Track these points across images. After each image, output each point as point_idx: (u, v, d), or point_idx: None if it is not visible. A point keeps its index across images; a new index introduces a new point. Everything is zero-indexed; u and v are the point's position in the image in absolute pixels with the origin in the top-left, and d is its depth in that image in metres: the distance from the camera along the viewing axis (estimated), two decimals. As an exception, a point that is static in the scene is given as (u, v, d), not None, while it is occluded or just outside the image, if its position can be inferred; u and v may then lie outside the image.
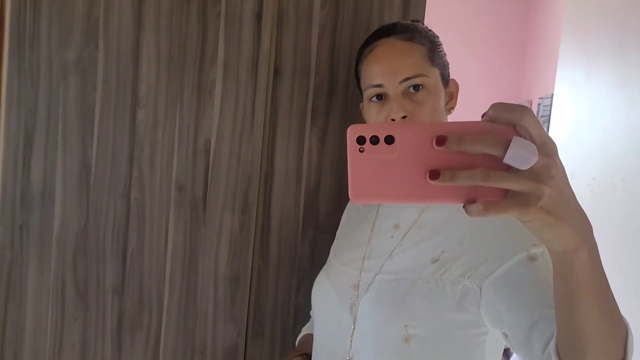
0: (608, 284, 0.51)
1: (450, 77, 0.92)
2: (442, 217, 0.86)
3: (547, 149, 0.43)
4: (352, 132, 0.44)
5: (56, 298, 1.16)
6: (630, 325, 0.56)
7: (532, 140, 0.42)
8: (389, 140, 0.44)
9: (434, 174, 0.43)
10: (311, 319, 1.10)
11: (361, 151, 0.44)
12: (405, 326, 0.78)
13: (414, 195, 0.44)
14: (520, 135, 0.42)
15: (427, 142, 0.43)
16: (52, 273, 1.16)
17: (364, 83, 0.90)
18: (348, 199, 1.14)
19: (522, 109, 0.42)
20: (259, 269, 1.17)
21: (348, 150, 0.44)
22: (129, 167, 1.16)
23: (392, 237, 0.89)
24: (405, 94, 0.84)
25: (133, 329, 1.18)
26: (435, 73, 0.87)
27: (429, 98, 0.84)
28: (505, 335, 0.74)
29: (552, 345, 0.59)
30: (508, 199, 0.42)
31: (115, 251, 1.17)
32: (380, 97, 0.86)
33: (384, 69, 0.85)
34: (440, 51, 0.90)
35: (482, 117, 0.44)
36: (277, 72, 1.14)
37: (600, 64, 1.65)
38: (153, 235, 1.17)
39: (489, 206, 0.42)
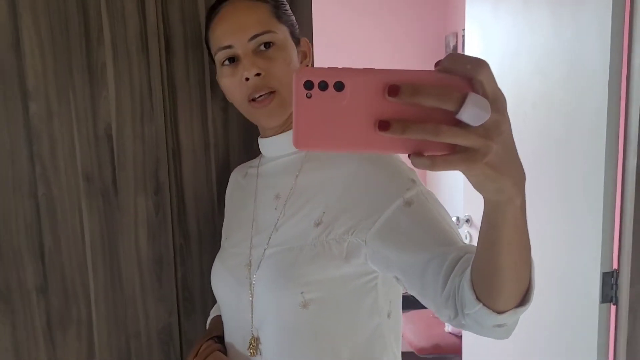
0: (526, 220, 0.53)
1: (302, 37, 0.91)
2: (317, 179, 0.86)
3: (498, 104, 0.42)
4: (300, 76, 0.42)
5: (-24, 306, 1.14)
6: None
7: (485, 95, 0.41)
8: (339, 86, 0.41)
9: (384, 125, 0.41)
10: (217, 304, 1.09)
11: (308, 97, 0.42)
12: (301, 293, 0.79)
13: (361, 145, 0.43)
14: (474, 90, 0.41)
15: (379, 90, 0.41)
16: (-32, 281, 1.13)
17: (213, 48, 0.87)
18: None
19: (479, 62, 0.41)
20: (181, 248, 1.17)
21: (294, 95, 0.42)
22: (31, 163, 1.12)
23: (275, 208, 0.88)
24: (256, 52, 0.83)
25: (64, 325, 1.17)
26: (283, 30, 0.85)
27: (280, 54, 0.83)
28: (397, 279, 0.76)
29: (465, 281, 0.61)
30: (455, 155, 0.42)
31: (31, 250, 1.14)
32: (232, 60, 0.85)
33: (231, 29, 0.83)
34: (287, 10, 0.89)
35: (436, 66, 0.43)
36: (168, 46, 1.11)
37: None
38: (68, 228, 1.14)
39: (437, 161, 0.42)
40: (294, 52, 0.86)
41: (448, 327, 2.59)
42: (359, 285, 0.82)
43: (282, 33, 0.85)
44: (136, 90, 1.11)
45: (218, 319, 1.02)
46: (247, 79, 0.83)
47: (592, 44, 1.27)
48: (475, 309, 0.59)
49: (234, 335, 0.91)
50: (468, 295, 0.60)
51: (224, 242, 0.99)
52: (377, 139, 0.42)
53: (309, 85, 0.42)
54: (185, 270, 1.17)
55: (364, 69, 0.42)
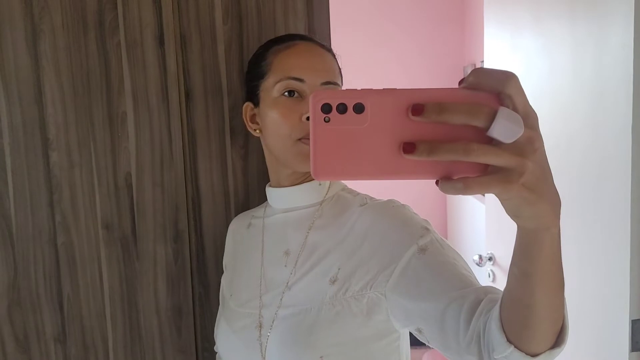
0: (561, 252, 0.50)
1: None
2: (330, 235, 0.84)
3: (531, 120, 0.40)
4: (317, 99, 0.39)
5: (-5, 357, 1.13)
6: None
7: (516, 110, 0.38)
8: (359, 108, 0.39)
9: (409, 147, 0.38)
10: (217, 357, 1.05)
11: (326, 121, 0.39)
12: (321, 357, 0.76)
13: (385, 171, 0.39)
14: (503, 105, 0.38)
15: (402, 111, 0.39)
16: (-13, 332, 1.12)
17: (277, 74, 0.83)
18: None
19: (506, 75, 0.39)
20: (200, 297, 1.15)
21: (311, 120, 0.39)
22: (51, 212, 1.12)
23: (285, 265, 0.85)
24: None
25: (82, 375, 1.15)
26: (340, 85, 0.87)
27: None
28: (420, 331, 0.72)
29: (494, 322, 0.57)
30: (489, 176, 0.38)
31: (50, 299, 1.13)
32: (292, 93, 0.81)
33: (309, 64, 0.81)
34: (341, 74, 0.90)
35: (460, 83, 0.40)
36: (188, 95, 1.11)
37: (523, 33, 1.66)
38: (87, 277, 1.14)
39: (470, 183, 0.38)
40: None
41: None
42: (381, 347, 0.79)
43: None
44: (156, 138, 1.11)
45: None
46: (307, 119, 0.80)
47: (614, 83, 1.25)
48: (507, 352, 0.55)
49: None
50: (497, 337, 0.55)
51: (228, 300, 0.93)
52: (403, 164, 0.39)
53: (327, 108, 0.39)
54: (205, 320, 1.16)
55: (385, 89, 0.39)
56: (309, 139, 0.79)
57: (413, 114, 0.38)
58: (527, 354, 0.54)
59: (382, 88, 0.39)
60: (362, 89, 0.39)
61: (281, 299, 0.82)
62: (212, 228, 1.14)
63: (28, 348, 1.14)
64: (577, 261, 1.37)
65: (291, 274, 0.83)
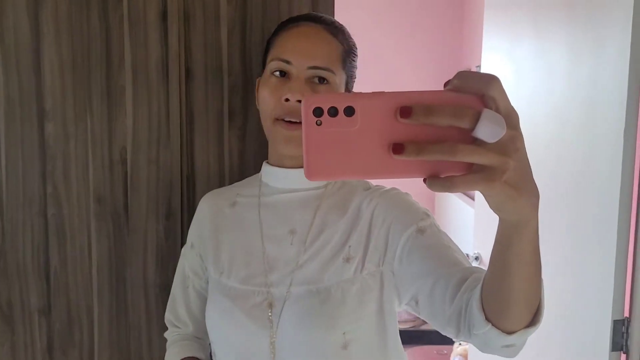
0: (539, 241, 0.53)
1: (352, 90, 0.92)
2: (337, 216, 0.86)
3: (512, 120, 0.42)
4: (308, 103, 0.41)
5: (-22, 325, 1.12)
6: None
7: (498, 111, 0.40)
8: (349, 111, 0.41)
9: (398, 148, 0.40)
10: (175, 342, 1.00)
11: (318, 124, 0.40)
12: (344, 333, 0.79)
13: (375, 171, 0.41)
14: (487, 106, 0.40)
15: (390, 113, 0.40)
16: (-29, 300, 1.11)
17: (272, 54, 0.86)
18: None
19: (490, 78, 0.41)
20: (189, 275, 1.15)
21: (303, 123, 0.41)
22: (43, 183, 1.11)
23: (291, 244, 0.86)
24: (308, 80, 0.82)
25: (65, 348, 1.15)
26: (342, 76, 0.86)
27: None
28: (416, 302, 0.77)
29: (475, 302, 0.61)
30: (474, 174, 0.41)
31: (37, 270, 1.13)
32: (283, 74, 0.84)
33: (298, 48, 0.83)
34: (354, 60, 0.90)
35: (445, 85, 0.42)
36: (188, 74, 1.11)
37: (521, 36, 1.68)
38: (75, 250, 1.13)
39: (456, 181, 0.41)
40: None
41: (450, 364, 2.55)
42: (389, 322, 0.83)
43: (339, 77, 0.85)
44: (154, 115, 1.11)
45: None
46: (287, 100, 0.81)
47: (609, 90, 1.27)
48: (485, 329, 0.60)
49: None
50: (477, 316, 0.60)
51: (219, 277, 0.89)
52: (392, 164, 0.41)
53: (318, 112, 0.41)
54: (192, 299, 1.16)
55: (374, 93, 0.41)
56: (286, 120, 0.82)
57: (401, 117, 0.40)
58: (503, 331, 0.59)
59: (371, 92, 0.41)
60: (352, 93, 0.42)
61: (292, 278, 0.83)
62: (205, 207, 1.14)
63: (12, 319, 1.14)
64: (561, 260, 1.40)
65: (300, 252, 0.84)
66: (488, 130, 0.39)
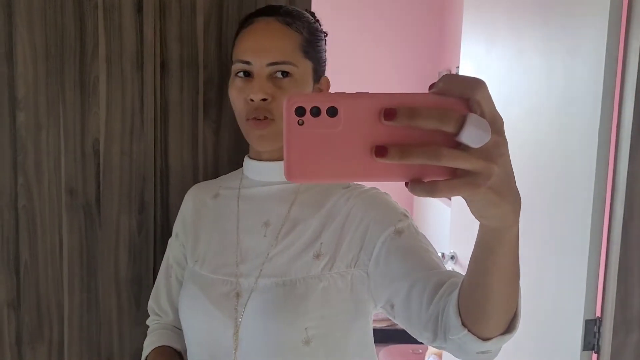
0: (519, 247, 0.53)
1: (324, 75, 0.91)
2: (312, 211, 0.85)
3: (497, 125, 0.41)
4: (290, 102, 0.39)
5: (-57, 318, 1.10)
6: None
7: (483, 115, 0.40)
8: (332, 112, 0.39)
9: (381, 151, 0.39)
10: (154, 330, 1.01)
11: (300, 124, 0.39)
12: (306, 328, 0.78)
13: (357, 173, 0.41)
14: (472, 111, 0.40)
15: (374, 115, 0.39)
16: (-64, 292, 1.09)
17: (235, 54, 0.87)
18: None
19: (475, 82, 0.40)
20: (162, 270, 1.14)
21: (285, 123, 0.40)
22: (13, 173, 1.09)
23: (264, 235, 0.86)
24: (270, 77, 0.83)
25: (34, 343, 1.13)
26: (306, 65, 0.85)
27: (293, 85, 0.83)
28: (392, 307, 0.75)
29: (451, 306, 0.61)
30: (457, 179, 0.40)
31: (6, 263, 1.11)
32: (247, 74, 0.84)
33: (254, 47, 0.83)
34: (319, 45, 0.89)
35: (430, 88, 0.41)
36: (163, 66, 1.10)
37: (500, 34, 1.69)
38: (46, 243, 1.11)
39: (439, 186, 0.40)
40: (309, 88, 0.86)
41: (427, 363, 2.56)
42: (358, 326, 0.82)
43: (303, 68, 0.84)
44: (128, 107, 1.10)
45: (163, 355, 0.94)
46: (251, 100, 0.82)
47: (584, 90, 1.28)
48: (461, 334, 0.59)
49: None
50: (453, 320, 0.60)
51: (194, 266, 0.91)
52: (375, 167, 0.40)
53: (300, 111, 0.39)
54: (164, 293, 1.14)
55: (358, 93, 0.40)
56: (255, 119, 0.82)
57: (385, 119, 0.39)
58: (479, 337, 0.58)
59: (355, 92, 0.40)
60: (335, 93, 0.40)
61: (261, 269, 0.83)
62: (179, 202, 1.11)
63: (-21, 312, 1.11)
64: (536, 259, 1.40)
65: (272, 245, 0.84)
66: (473, 135, 0.39)
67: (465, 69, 1.93)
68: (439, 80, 0.41)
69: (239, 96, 0.85)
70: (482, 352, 0.60)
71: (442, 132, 0.39)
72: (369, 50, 3.43)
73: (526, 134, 1.49)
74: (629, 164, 1.16)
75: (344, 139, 0.40)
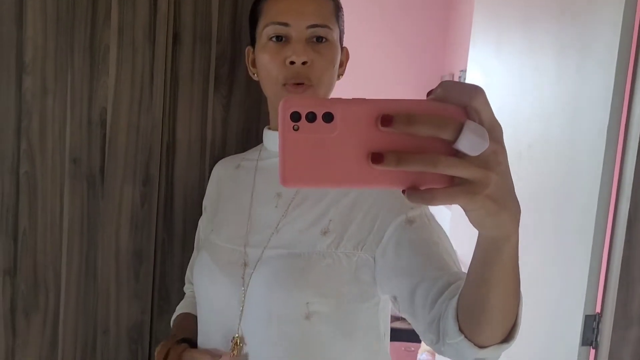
0: (518, 258, 0.52)
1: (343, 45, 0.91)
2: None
3: (495, 133, 0.40)
4: (285, 107, 0.39)
5: (-62, 282, 1.07)
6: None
7: (482, 123, 0.39)
8: (328, 117, 0.39)
9: (377, 158, 0.39)
10: (186, 297, 1.04)
11: (295, 129, 0.39)
12: (307, 303, 0.77)
13: (353, 180, 0.40)
14: (470, 118, 0.39)
15: (371, 121, 0.39)
16: None
17: (265, 19, 0.83)
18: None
19: (474, 89, 0.40)
20: (163, 243, 1.12)
21: (280, 127, 0.39)
22: (17, 139, 1.08)
23: (276, 206, 0.85)
24: (308, 41, 0.81)
25: (28, 312, 1.11)
26: (337, 31, 0.85)
27: (329, 51, 0.82)
28: (395, 299, 0.75)
29: (450, 311, 0.60)
30: (455, 187, 0.39)
31: (5, 230, 1.09)
32: (280, 38, 0.81)
33: (293, 9, 0.81)
34: (342, 15, 0.89)
35: (428, 95, 0.41)
36: (176, 38, 1.09)
37: (511, 33, 1.69)
38: (47, 211, 1.09)
39: (436, 194, 0.39)
40: (339, 55, 0.85)
41: (419, 361, 2.56)
42: (363, 309, 0.81)
43: (336, 33, 0.84)
44: (137, 78, 1.08)
45: (188, 318, 0.97)
46: (292, 63, 0.80)
47: (594, 91, 1.28)
48: (457, 340, 0.59)
49: (212, 334, 0.86)
50: (451, 325, 0.60)
51: (209, 234, 0.93)
52: (370, 173, 0.40)
53: (295, 117, 0.39)
54: (165, 268, 1.13)
55: (354, 99, 0.40)
56: (293, 84, 0.81)
57: (382, 125, 0.39)
58: (476, 344, 0.58)
59: (351, 98, 0.40)
60: (331, 98, 0.40)
61: (269, 240, 0.83)
62: (184, 176, 1.11)
63: (-26, 278, 1.10)
64: (540, 255, 1.40)
65: (282, 216, 0.84)
66: (470, 142, 0.38)
67: (473, 69, 1.93)
68: (438, 86, 0.41)
69: (274, 60, 0.81)
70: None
71: (439, 140, 0.39)
72: (372, 53, 3.42)
73: (536, 132, 1.49)
74: (636, 163, 1.16)
75: (340, 144, 0.39)
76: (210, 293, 0.86)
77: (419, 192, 0.40)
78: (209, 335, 0.87)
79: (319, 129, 0.39)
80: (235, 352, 0.80)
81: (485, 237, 0.48)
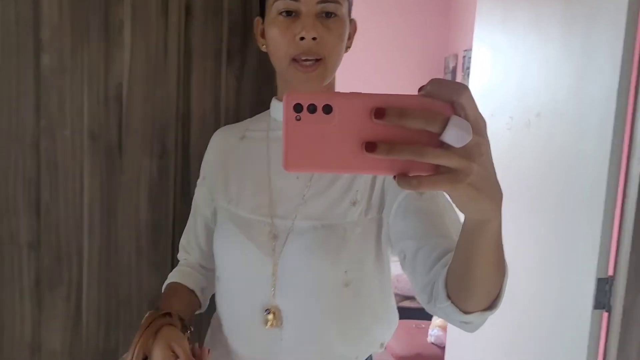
0: (502, 239, 0.57)
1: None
2: None
3: (479, 127, 0.44)
4: (289, 100, 0.43)
5: (-35, 256, 1.11)
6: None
7: (467, 118, 0.43)
8: (327, 109, 0.43)
9: (371, 146, 0.43)
10: (180, 265, 1.03)
11: (298, 119, 0.43)
12: (345, 272, 0.81)
13: (349, 166, 0.44)
14: (456, 113, 0.43)
15: (365, 113, 0.43)
16: (-41, 229, 1.10)
17: None
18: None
19: (460, 87, 0.43)
20: (182, 214, 1.15)
21: (284, 118, 0.44)
22: (37, 115, 1.10)
23: (297, 177, 0.87)
24: (318, 16, 0.81)
25: (52, 285, 1.14)
26: (346, 5, 0.85)
27: (338, 26, 0.82)
28: (404, 257, 0.79)
29: (441, 278, 0.66)
30: (440, 175, 0.44)
31: (27, 204, 1.12)
32: (290, 13, 0.82)
33: None
34: None
35: (419, 90, 0.45)
36: (188, 11, 1.10)
37: (516, 8, 1.69)
38: (67, 185, 1.12)
39: (423, 181, 0.43)
40: (347, 30, 0.86)
41: (431, 338, 2.58)
42: (384, 263, 0.86)
43: (345, 7, 0.84)
44: (152, 51, 1.10)
45: (174, 291, 0.96)
46: (302, 39, 0.80)
47: (602, 59, 1.29)
48: (445, 304, 0.65)
49: (239, 305, 0.88)
50: (440, 291, 0.66)
51: (227, 205, 0.92)
52: (364, 160, 0.44)
53: (298, 108, 0.43)
54: (183, 239, 1.15)
55: (352, 93, 0.44)
56: (302, 60, 0.82)
57: (376, 117, 0.43)
58: (461, 310, 0.64)
59: (349, 92, 0.44)
60: (331, 92, 0.45)
61: (297, 211, 0.85)
62: (200, 147, 1.13)
63: (0, 252, 1.13)
64: (550, 220, 1.41)
65: (306, 186, 0.86)
66: (455, 135, 0.42)
67: (479, 44, 1.94)
68: (428, 83, 0.45)
69: (283, 35, 0.82)
70: (464, 322, 0.66)
71: (427, 132, 0.43)
72: (376, 34, 3.42)
73: (541, 101, 1.49)
74: (646, 124, 1.16)
75: (338, 134, 0.44)
76: (239, 264, 0.87)
77: (407, 178, 0.44)
78: (235, 306, 0.89)
79: (319, 120, 0.43)
80: (272, 323, 0.83)
81: (469, 219, 0.53)
